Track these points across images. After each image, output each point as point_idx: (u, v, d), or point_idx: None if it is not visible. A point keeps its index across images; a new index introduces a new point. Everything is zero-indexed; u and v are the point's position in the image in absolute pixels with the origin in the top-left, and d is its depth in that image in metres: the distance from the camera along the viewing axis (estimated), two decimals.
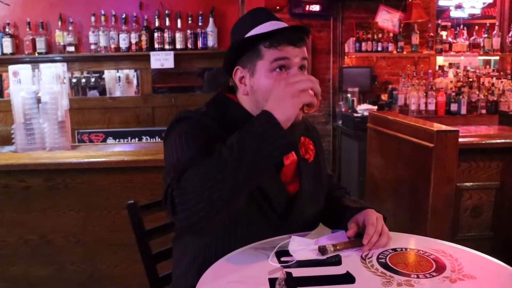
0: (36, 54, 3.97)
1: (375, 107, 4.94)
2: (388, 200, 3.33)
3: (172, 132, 1.24)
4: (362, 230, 1.27)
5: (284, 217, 1.31)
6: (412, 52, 5.58)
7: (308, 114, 1.13)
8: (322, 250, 1.19)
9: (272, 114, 1.02)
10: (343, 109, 5.38)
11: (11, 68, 2.78)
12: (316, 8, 5.53)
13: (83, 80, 5.37)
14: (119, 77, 5.46)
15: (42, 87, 2.78)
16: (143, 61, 4.16)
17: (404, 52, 5.55)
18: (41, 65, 2.79)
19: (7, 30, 3.97)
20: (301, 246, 1.20)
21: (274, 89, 1.08)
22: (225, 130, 1.16)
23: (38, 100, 2.84)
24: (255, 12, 1.30)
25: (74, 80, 5.33)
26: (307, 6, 5.50)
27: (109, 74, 5.35)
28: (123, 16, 4.08)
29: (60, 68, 2.81)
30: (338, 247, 1.21)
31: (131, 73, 5.03)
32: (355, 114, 4.91)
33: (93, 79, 5.45)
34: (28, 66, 2.82)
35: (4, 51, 3.95)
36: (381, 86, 5.66)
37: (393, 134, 3.20)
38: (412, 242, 1.34)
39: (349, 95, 5.37)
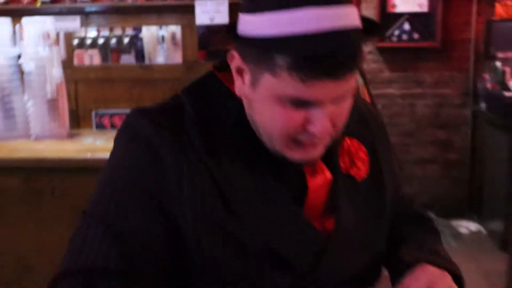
0: (38, 5, 4.01)
1: None
2: None
3: (108, 163, 1.14)
4: None
5: (310, 274, 1.14)
6: None
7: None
8: None
9: None
10: (488, 85, 5.11)
11: None
12: None
13: (113, 41, 5.41)
14: (162, 36, 5.47)
15: (24, 51, 2.79)
16: (186, 15, 4.09)
17: None
18: (23, 20, 2.79)
19: None
20: None
21: None
22: (209, 143, 1.09)
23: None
24: None
25: (101, 41, 5.40)
26: None
27: (149, 33, 5.37)
28: None
29: (50, 24, 2.80)
30: None
31: (178, 30, 4.99)
32: (507, 93, 4.71)
33: (126, 39, 5.48)
34: (6, 20, 2.84)
35: None
36: None
37: None
38: None
39: (498, 63, 5.08)
